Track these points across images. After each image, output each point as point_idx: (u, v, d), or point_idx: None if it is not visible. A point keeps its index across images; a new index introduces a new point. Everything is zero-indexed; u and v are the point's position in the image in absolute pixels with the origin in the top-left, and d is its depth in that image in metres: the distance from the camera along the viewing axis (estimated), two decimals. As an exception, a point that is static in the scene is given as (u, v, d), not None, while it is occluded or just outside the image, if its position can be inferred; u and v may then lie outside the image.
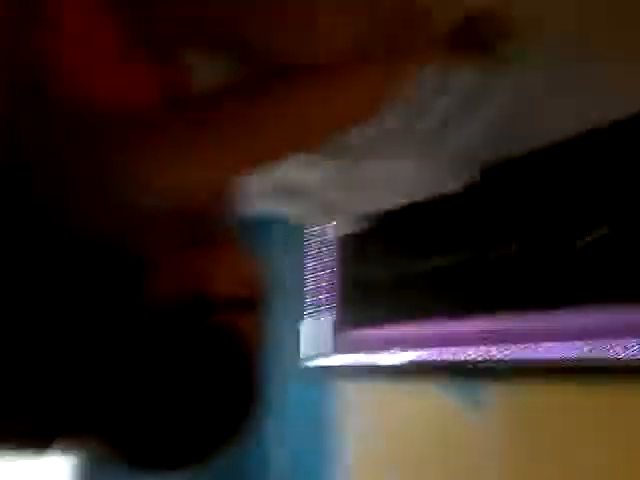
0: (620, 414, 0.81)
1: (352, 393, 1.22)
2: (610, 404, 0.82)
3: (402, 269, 1.05)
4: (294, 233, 1.41)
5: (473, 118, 0.71)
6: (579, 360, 0.82)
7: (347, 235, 1.09)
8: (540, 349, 0.85)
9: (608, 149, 0.83)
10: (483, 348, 0.91)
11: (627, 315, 0.80)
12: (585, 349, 0.81)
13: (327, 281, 1.24)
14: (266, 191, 0.82)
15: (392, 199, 0.92)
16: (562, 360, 0.83)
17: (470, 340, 0.94)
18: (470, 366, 0.92)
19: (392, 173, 0.80)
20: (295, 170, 0.75)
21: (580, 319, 0.84)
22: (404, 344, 1.05)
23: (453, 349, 0.95)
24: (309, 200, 0.84)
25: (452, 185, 0.86)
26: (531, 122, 0.75)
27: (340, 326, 1.14)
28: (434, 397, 1.03)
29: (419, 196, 0.91)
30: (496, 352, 0.88)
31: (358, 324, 1.12)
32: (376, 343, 1.09)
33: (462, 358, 0.93)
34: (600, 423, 0.84)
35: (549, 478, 0.89)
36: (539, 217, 0.89)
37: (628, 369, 0.78)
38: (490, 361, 0.89)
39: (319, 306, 1.24)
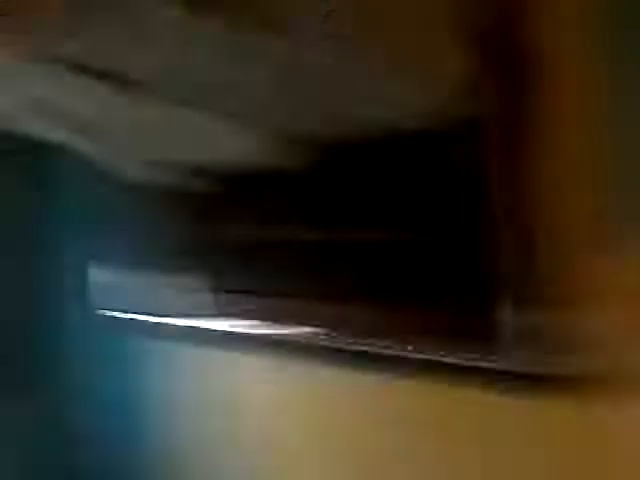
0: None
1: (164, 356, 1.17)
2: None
3: (208, 237, 0.99)
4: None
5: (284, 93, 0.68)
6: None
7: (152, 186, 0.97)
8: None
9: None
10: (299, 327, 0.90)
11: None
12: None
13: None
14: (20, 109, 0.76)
15: (204, 155, 0.84)
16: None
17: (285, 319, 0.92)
18: (296, 344, 0.91)
19: (205, 129, 0.75)
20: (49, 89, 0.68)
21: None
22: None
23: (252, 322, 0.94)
24: (89, 133, 0.77)
25: (287, 161, 0.81)
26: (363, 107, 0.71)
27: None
28: (252, 368, 1.02)
29: (237, 159, 0.84)
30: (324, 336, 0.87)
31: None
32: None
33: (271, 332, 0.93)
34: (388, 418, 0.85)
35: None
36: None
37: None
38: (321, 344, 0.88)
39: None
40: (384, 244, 0.80)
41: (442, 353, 0.76)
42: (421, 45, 0.62)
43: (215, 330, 1.03)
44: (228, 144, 0.78)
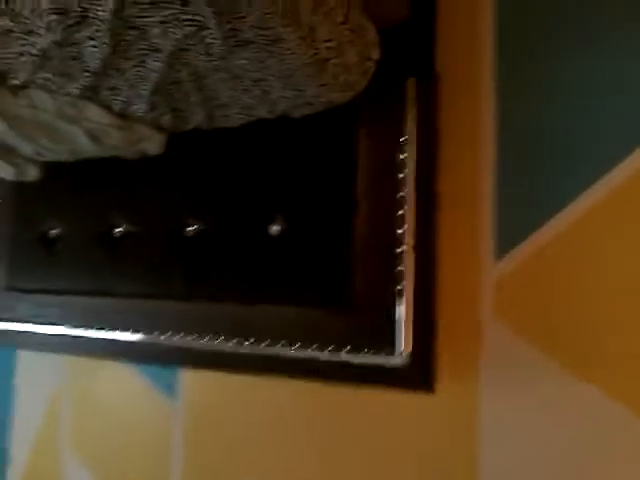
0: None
1: (33, 364, 1.13)
2: (302, 398, 0.84)
3: (77, 233, 0.90)
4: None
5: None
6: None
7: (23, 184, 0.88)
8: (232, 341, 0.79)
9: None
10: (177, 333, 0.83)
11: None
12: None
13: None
14: None
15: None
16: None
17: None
18: (164, 349, 0.85)
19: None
20: None
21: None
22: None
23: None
24: None
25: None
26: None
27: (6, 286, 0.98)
28: (127, 376, 1.00)
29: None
30: (190, 338, 0.82)
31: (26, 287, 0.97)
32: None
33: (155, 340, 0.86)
34: (277, 413, 0.85)
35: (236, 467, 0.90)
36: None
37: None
38: (185, 347, 0.83)
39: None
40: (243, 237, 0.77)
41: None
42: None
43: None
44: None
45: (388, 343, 0.69)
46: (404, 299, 0.69)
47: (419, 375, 0.70)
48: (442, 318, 0.72)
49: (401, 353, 0.69)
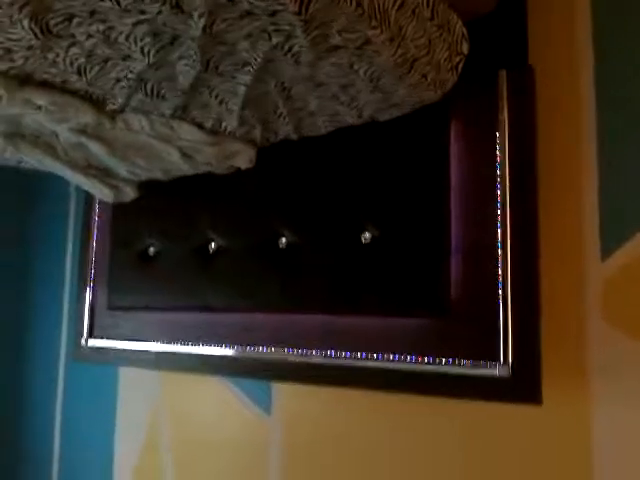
0: (386, 419, 0.81)
1: (134, 379, 1.16)
2: (384, 410, 0.81)
3: (175, 250, 0.92)
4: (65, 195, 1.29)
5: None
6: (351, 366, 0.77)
7: (119, 205, 0.93)
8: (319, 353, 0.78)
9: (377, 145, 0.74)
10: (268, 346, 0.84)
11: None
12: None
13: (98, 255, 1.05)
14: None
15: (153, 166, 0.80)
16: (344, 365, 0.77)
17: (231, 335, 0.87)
18: (258, 363, 0.85)
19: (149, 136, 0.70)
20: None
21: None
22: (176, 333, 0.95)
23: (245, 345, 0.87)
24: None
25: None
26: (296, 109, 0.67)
27: (107, 305, 1.02)
28: (221, 390, 1.01)
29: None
30: (285, 351, 0.82)
31: (125, 305, 1.00)
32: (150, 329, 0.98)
33: (252, 355, 0.86)
34: (374, 427, 0.83)
35: (328, 477, 0.88)
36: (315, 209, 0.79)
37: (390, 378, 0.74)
38: (280, 360, 0.82)
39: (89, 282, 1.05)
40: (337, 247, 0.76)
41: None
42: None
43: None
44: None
45: (490, 352, 0.66)
46: (506, 305, 0.66)
47: (524, 385, 0.66)
48: (546, 323, 0.68)
49: (504, 363, 0.66)
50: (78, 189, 0.97)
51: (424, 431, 0.79)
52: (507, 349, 0.65)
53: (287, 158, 0.80)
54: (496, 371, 0.66)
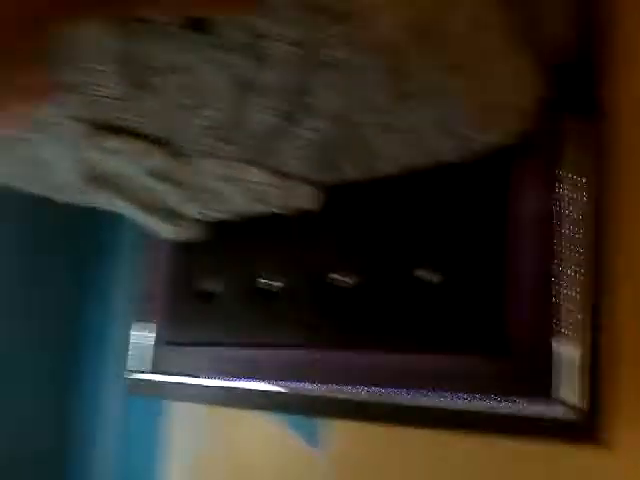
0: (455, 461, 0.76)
1: (182, 414, 1.14)
2: (453, 450, 0.77)
3: (233, 287, 0.94)
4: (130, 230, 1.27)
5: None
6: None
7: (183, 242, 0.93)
8: (382, 390, 0.77)
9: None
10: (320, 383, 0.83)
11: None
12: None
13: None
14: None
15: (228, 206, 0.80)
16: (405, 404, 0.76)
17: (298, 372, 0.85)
18: (309, 399, 0.85)
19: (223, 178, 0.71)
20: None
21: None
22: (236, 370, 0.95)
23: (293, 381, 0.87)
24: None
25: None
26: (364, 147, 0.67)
27: (165, 340, 1.04)
28: (270, 426, 0.98)
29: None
30: (336, 389, 0.81)
31: (183, 341, 1.01)
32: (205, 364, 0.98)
33: (301, 391, 0.86)
34: (437, 468, 0.79)
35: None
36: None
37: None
38: (331, 397, 0.82)
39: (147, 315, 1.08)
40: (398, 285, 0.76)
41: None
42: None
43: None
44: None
45: (548, 390, 0.65)
46: (567, 342, 0.64)
47: (588, 425, 0.63)
48: (610, 354, 0.64)
49: (564, 401, 0.64)
50: (135, 224, 1.00)
51: (480, 474, 0.77)
52: (574, 387, 0.63)
53: (347, 197, 0.81)
54: (554, 410, 0.64)
